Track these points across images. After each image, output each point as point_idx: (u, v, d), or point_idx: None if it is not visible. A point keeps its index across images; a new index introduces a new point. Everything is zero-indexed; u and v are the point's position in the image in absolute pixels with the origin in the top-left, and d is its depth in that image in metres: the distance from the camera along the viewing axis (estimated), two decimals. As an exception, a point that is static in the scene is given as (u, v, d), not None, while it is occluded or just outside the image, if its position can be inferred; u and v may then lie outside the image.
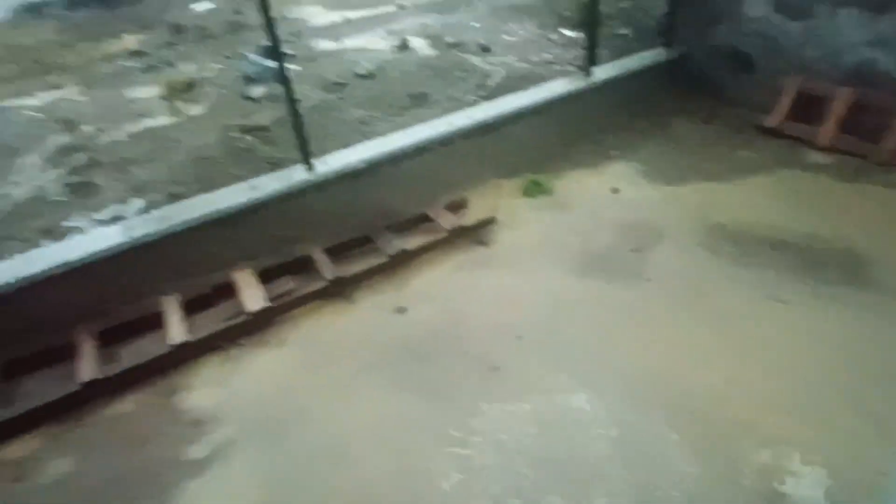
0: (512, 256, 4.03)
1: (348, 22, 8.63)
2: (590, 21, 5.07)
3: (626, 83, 5.32)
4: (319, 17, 9.34)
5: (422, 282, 3.87)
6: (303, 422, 2.98)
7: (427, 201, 4.43)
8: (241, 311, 3.50)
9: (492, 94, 5.37)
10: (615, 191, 4.56)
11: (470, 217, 4.35)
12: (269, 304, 3.53)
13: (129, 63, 8.02)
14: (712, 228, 4.04)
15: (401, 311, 3.64)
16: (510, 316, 3.50)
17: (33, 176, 4.93)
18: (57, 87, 7.56)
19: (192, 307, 3.57)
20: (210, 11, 13.15)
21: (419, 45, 6.60)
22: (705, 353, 3.14)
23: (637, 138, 5.23)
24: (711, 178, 4.58)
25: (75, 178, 4.74)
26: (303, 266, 3.89)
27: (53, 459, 2.91)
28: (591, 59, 5.12)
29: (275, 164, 4.49)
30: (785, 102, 4.95)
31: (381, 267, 3.91)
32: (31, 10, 17.96)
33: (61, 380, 3.21)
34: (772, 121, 4.97)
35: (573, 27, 6.60)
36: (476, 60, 5.99)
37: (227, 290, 3.65)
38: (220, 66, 6.96)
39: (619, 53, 5.66)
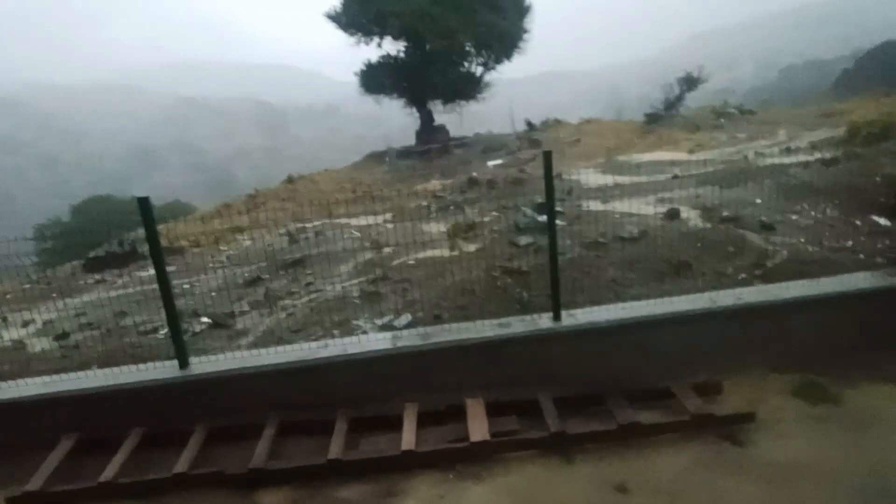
0: (771, 470, 3.33)
1: (619, 186, 9.14)
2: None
3: (965, 289, 4.23)
4: (593, 179, 10.14)
5: (651, 465, 3.47)
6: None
7: (673, 377, 4.09)
8: (464, 438, 3.67)
9: (769, 275, 4.88)
10: (939, 424, 3.48)
11: (723, 406, 3.83)
12: (490, 438, 3.62)
13: (431, 203, 9.90)
14: None
15: (622, 490, 3.30)
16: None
17: (345, 280, 6.31)
18: (375, 213, 9.71)
19: (425, 420, 3.89)
20: (500, 167, 15.56)
21: (690, 215, 6.52)
22: None
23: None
24: None
25: (369, 288, 5.88)
26: (530, 410, 3.93)
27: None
28: (912, 255, 4.28)
29: (524, 308, 4.82)
30: None
31: (609, 434, 3.67)
32: (375, 156, 23.90)
33: (314, 450, 3.79)
34: None
35: (889, 214, 5.68)
36: (754, 238, 5.59)
37: (458, 413, 3.89)
38: (498, 214, 8.04)
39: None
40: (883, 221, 5.61)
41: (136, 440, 3.92)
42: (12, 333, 5.99)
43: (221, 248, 10.03)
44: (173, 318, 4.13)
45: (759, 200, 6.79)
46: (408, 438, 3.65)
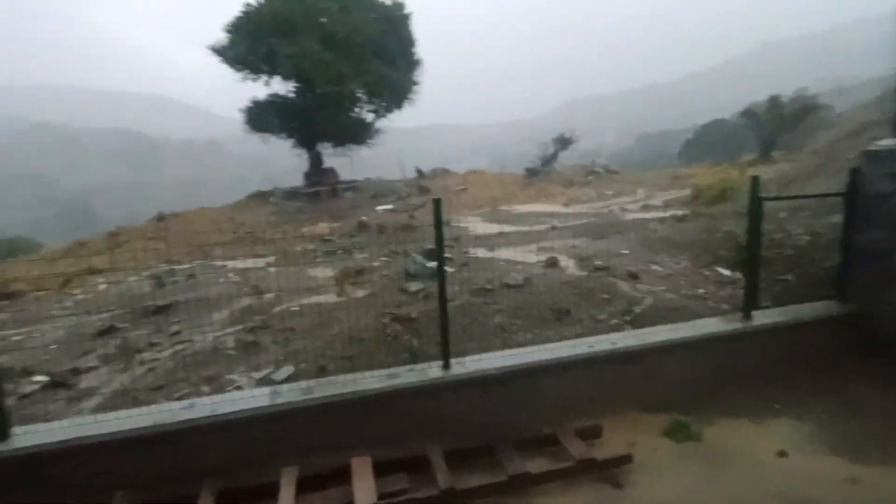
0: (649, 510, 3.48)
1: (503, 235, 9.56)
2: (752, 262, 4.97)
3: (792, 332, 4.90)
4: (479, 227, 10.52)
5: (541, 515, 3.46)
6: None
7: (557, 422, 4.18)
8: (350, 502, 3.39)
9: (637, 320, 5.28)
10: (781, 454, 3.89)
11: (603, 450, 3.96)
12: (377, 501, 3.38)
13: (318, 247, 9.56)
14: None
15: (512, 545, 3.23)
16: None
17: (218, 329, 5.75)
18: (258, 256, 9.15)
19: (305, 486, 3.55)
20: (390, 212, 15.62)
21: (567, 264, 6.95)
22: None
23: (806, 396, 4.59)
24: (914, 465, 3.73)
25: (247, 337, 5.41)
26: (419, 465, 3.76)
27: None
28: (752, 302, 4.89)
29: (415, 356, 4.71)
30: None
31: (499, 486, 3.61)
32: (259, 196, 22.86)
33: (171, 532, 3.26)
34: None
35: (729, 266, 6.50)
36: (623, 286, 6.07)
37: (343, 476, 3.60)
38: (387, 259, 7.95)
39: (779, 300, 5.35)
40: (726, 272, 6.40)
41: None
42: None
43: (71, 291, 8.76)
44: (-8, 380, 3.41)
45: (625, 251, 7.45)
46: (284, 509, 3.29)
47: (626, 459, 3.84)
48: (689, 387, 4.57)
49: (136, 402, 4.22)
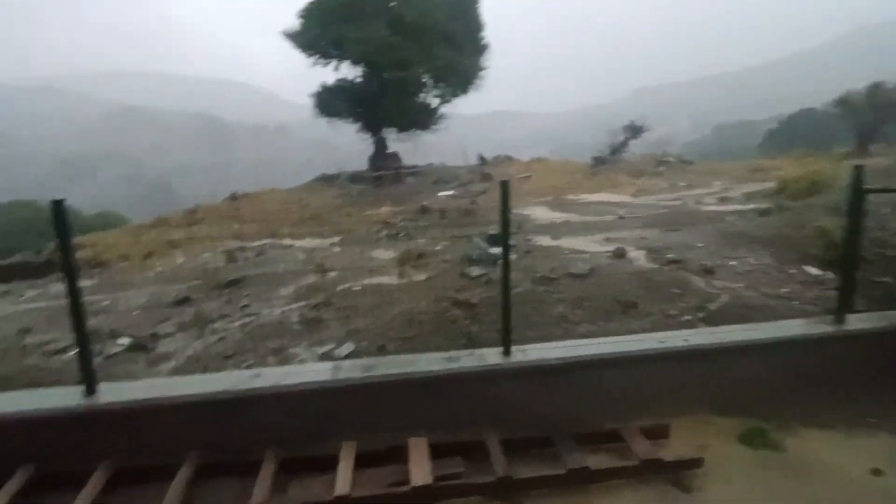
0: (720, 518, 3.26)
1: (568, 224, 9.28)
2: (849, 260, 4.52)
3: (891, 340, 4.43)
4: (543, 216, 10.28)
5: (601, 513, 3.32)
6: None
7: (621, 418, 3.99)
8: (405, 481, 3.39)
9: (712, 318, 4.96)
10: (876, 472, 3.53)
11: (670, 451, 3.75)
12: (432, 482, 3.36)
13: (381, 229, 9.68)
14: None
15: (569, 541, 3.12)
16: None
17: (284, 304, 5.93)
18: (323, 237, 9.37)
19: (362, 461, 3.58)
20: (452, 198, 15.59)
21: (636, 255, 6.64)
22: None
23: (908, 410, 4.15)
24: None
25: (311, 314, 5.54)
26: (475, 451, 3.70)
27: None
28: (847, 304, 4.46)
29: (473, 341, 4.65)
30: None
31: (557, 479, 3.49)
32: (326, 180, 23.46)
33: (236, 495, 3.39)
34: None
35: (819, 265, 5.98)
36: (697, 281, 5.72)
37: (399, 455, 3.61)
38: (448, 243, 7.92)
39: (877, 304, 4.85)
40: (814, 271, 5.89)
41: (23, 480, 3.37)
42: None
43: (152, 263, 9.34)
44: (82, 337, 3.65)
45: (700, 245, 7.01)
46: (342, 482, 3.33)
47: (695, 463, 3.61)
48: (770, 392, 4.24)
49: (207, 369, 4.42)
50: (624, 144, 22.34)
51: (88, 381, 3.69)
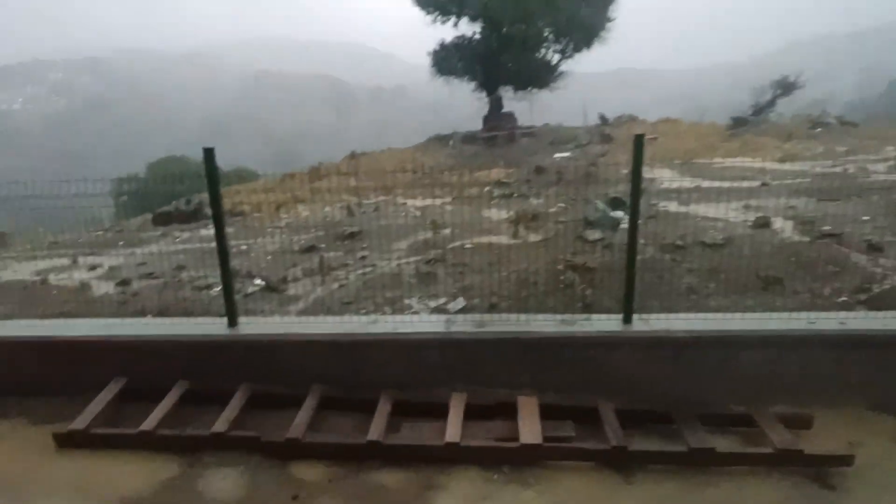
0: (872, 526, 2.86)
1: (700, 189, 8.46)
2: None
3: None
4: (671, 181, 9.48)
5: (726, 498, 3.06)
6: None
7: (754, 402, 3.63)
8: (513, 437, 3.38)
9: (875, 301, 4.27)
10: None
11: (813, 443, 3.34)
12: (542, 442, 3.31)
13: (493, 190, 9.57)
14: None
15: (687, 523, 2.92)
16: None
17: (399, 257, 6.12)
18: (437, 197, 9.46)
19: (472, 413, 3.63)
20: (568, 160, 14.98)
21: (783, 226, 5.88)
22: None
23: None
24: None
25: (425, 268, 5.65)
26: (587, 417, 3.58)
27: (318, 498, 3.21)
28: None
29: (588, 307, 4.44)
30: None
31: (677, 456, 3.28)
32: (439, 139, 23.69)
33: (353, 429, 3.61)
34: None
35: None
36: (860, 258, 4.94)
37: (509, 411, 3.60)
38: (565, 206, 7.61)
39: None
40: None
41: (179, 393, 3.87)
42: (80, 275, 6.20)
43: (281, 215, 10.11)
44: (227, 276, 4.05)
45: (866, 218, 6.03)
46: (453, 430, 3.40)
47: (844, 460, 3.19)
48: (949, 392, 3.59)
49: (329, 312, 4.70)
50: (771, 104, 19.70)
51: (231, 314, 4.11)
